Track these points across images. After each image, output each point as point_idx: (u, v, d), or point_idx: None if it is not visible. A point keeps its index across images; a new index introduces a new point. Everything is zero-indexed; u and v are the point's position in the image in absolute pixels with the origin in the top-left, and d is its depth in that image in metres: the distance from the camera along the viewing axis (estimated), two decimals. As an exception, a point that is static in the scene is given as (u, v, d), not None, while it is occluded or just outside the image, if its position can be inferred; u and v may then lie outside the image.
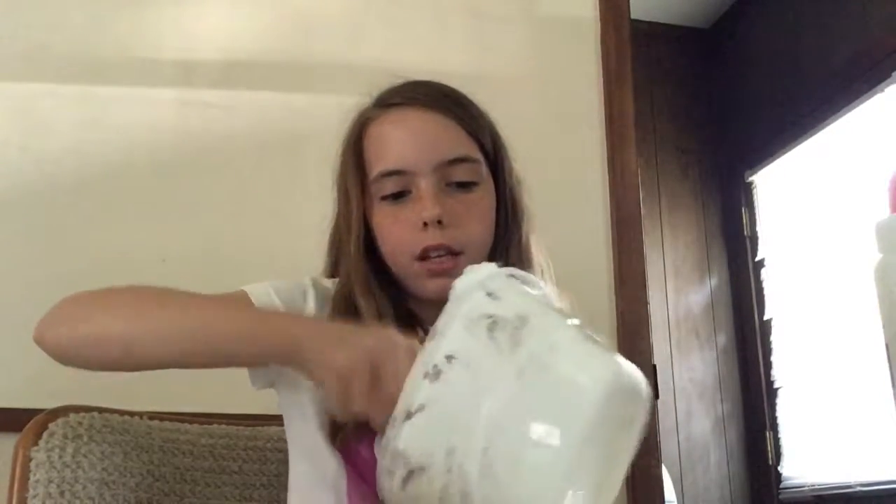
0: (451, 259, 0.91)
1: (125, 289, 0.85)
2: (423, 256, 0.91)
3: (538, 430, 0.64)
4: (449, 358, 0.67)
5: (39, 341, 0.84)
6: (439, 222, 0.90)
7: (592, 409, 0.65)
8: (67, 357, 0.85)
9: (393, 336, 0.74)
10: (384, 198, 0.93)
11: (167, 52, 1.63)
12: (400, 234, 0.92)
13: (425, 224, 0.90)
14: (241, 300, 0.88)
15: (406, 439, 0.66)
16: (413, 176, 0.92)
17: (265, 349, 0.80)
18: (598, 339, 0.71)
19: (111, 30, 1.62)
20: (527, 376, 0.66)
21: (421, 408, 0.66)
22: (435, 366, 0.66)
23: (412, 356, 0.70)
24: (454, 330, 0.68)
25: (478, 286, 0.71)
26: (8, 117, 1.54)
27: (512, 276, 0.74)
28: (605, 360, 0.69)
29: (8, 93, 1.55)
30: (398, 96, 0.97)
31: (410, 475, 0.65)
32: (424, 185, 0.91)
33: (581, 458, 0.64)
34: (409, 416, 0.66)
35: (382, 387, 0.70)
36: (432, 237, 0.90)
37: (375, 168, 0.94)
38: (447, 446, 0.64)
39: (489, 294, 0.71)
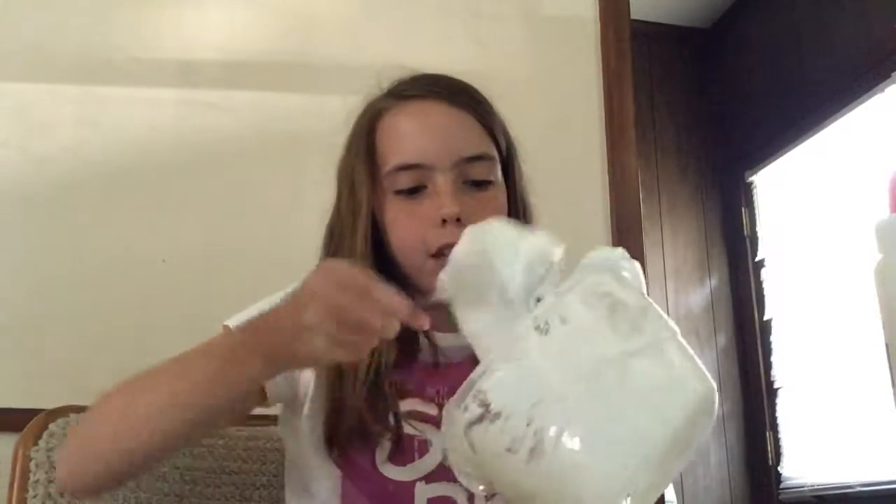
0: None
1: (106, 398, 0.80)
2: (439, 254, 0.87)
3: (632, 414, 0.65)
4: (563, 319, 0.68)
5: (69, 489, 0.81)
6: (458, 220, 0.87)
7: (688, 411, 0.67)
8: (98, 488, 0.81)
9: (323, 283, 0.69)
10: (398, 192, 0.90)
11: (167, 52, 1.63)
12: (415, 229, 0.89)
13: (444, 221, 0.87)
14: (212, 344, 0.81)
15: (495, 382, 0.66)
16: (431, 171, 0.89)
17: (245, 381, 0.75)
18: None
19: (111, 30, 1.61)
20: (636, 362, 0.67)
21: (523, 354, 0.67)
22: (546, 322, 0.68)
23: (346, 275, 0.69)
24: (575, 297, 0.70)
25: (608, 265, 0.73)
26: (8, 117, 1.54)
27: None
28: (706, 373, 0.71)
29: (8, 93, 1.54)
30: (415, 88, 0.94)
31: (484, 416, 0.65)
32: (442, 181, 0.88)
33: (661, 454, 0.65)
34: (507, 359, 0.67)
35: (367, 318, 0.66)
36: (451, 234, 0.85)
37: (390, 161, 0.90)
38: (535, 398, 0.64)
39: (616, 277, 0.72)
